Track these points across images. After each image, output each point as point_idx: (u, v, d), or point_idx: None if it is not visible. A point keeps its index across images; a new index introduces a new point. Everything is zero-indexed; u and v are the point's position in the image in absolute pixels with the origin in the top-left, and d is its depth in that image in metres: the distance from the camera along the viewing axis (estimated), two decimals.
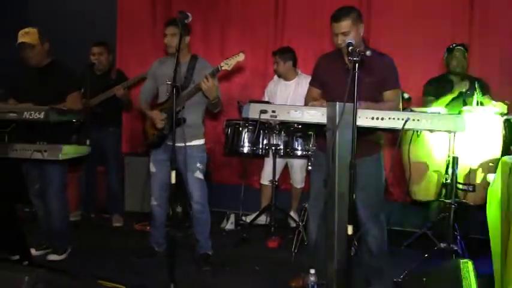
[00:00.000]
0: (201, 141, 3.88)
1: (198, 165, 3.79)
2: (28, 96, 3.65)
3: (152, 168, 3.93)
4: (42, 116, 3.18)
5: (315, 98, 3.28)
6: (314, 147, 3.80)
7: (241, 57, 3.60)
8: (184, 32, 3.69)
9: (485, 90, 4.32)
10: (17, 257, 3.47)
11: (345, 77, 2.95)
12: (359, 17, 3.01)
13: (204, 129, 3.97)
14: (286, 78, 4.95)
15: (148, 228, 4.64)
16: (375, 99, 3.01)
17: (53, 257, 3.93)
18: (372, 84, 3.00)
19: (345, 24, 2.94)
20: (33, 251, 3.83)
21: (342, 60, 3.13)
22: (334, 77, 3.14)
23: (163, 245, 4.06)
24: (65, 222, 4.01)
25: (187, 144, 3.70)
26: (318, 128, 2.76)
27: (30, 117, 3.20)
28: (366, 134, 2.76)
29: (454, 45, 4.39)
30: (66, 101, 3.72)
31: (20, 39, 3.69)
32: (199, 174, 3.80)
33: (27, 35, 3.70)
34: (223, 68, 3.59)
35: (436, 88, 4.40)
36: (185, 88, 3.70)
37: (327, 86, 3.23)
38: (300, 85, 4.81)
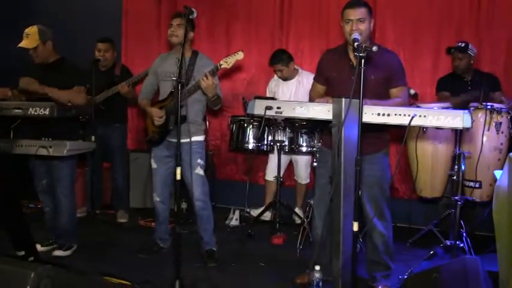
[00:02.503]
0: (201, 138, 3.87)
1: (199, 161, 3.79)
2: (36, 95, 3.65)
3: (153, 165, 3.93)
4: (47, 112, 3.19)
5: (320, 94, 3.27)
6: (319, 144, 3.79)
7: (240, 56, 3.60)
8: (189, 27, 3.70)
9: (495, 86, 4.32)
10: (22, 253, 3.48)
11: (349, 73, 2.96)
12: (371, 11, 3.01)
13: (205, 126, 3.97)
14: (289, 78, 4.91)
15: (153, 224, 4.65)
16: (380, 96, 3.00)
17: (58, 253, 3.94)
18: (377, 80, 2.99)
19: (361, 11, 2.94)
20: (38, 247, 3.84)
21: (346, 56, 3.12)
22: (338, 72, 3.12)
23: (168, 241, 4.07)
24: (72, 219, 4.02)
25: (187, 140, 3.70)
26: (323, 124, 2.74)
27: (35, 113, 3.21)
28: (372, 131, 2.75)
29: (449, 48, 4.41)
30: (69, 91, 3.69)
31: (20, 44, 3.69)
32: (200, 171, 3.79)
33: (27, 38, 3.69)
34: (222, 66, 3.59)
35: (450, 83, 4.43)
36: (186, 85, 3.69)
37: (331, 81, 3.21)
38: (301, 83, 4.79)
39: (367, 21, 2.95)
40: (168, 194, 3.96)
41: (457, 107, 3.94)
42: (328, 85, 3.25)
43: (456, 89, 4.32)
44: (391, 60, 3.09)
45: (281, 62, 4.78)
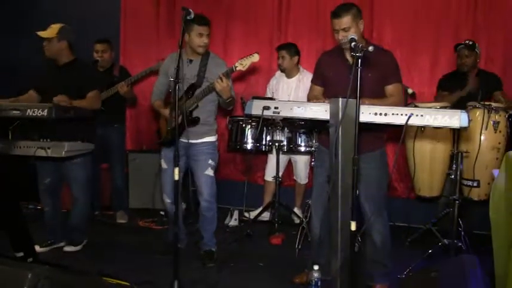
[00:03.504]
0: (213, 138, 3.86)
1: (210, 162, 3.79)
2: (50, 94, 3.71)
3: (163, 165, 3.90)
4: (45, 113, 3.19)
5: (318, 97, 3.28)
6: (317, 143, 3.80)
7: (256, 58, 3.58)
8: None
9: (497, 85, 4.33)
10: (21, 254, 3.48)
11: (346, 73, 2.97)
12: (359, 13, 3.05)
13: (217, 126, 3.95)
14: (289, 75, 4.93)
15: (152, 225, 4.67)
16: (377, 94, 3.04)
17: (69, 248, 4.02)
18: (373, 79, 3.01)
19: (345, 20, 2.99)
20: (37, 248, 3.84)
21: (343, 57, 3.16)
22: (335, 73, 3.16)
23: (185, 241, 4.06)
24: (84, 216, 4.11)
25: (199, 141, 3.75)
26: (320, 124, 2.75)
27: (34, 114, 3.21)
28: (369, 129, 2.75)
29: (457, 44, 4.42)
30: (85, 100, 3.77)
31: (39, 32, 3.82)
32: (210, 172, 3.79)
33: (48, 30, 3.84)
34: (237, 69, 3.56)
35: (449, 83, 4.44)
36: (198, 86, 3.68)
37: (328, 82, 3.25)
38: (302, 82, 4.81)
39: (354, 26, 3.01)
40: (178, 194, 3.95)
41: (454, 105, 3.96)
42: (325, 86, 3.29)
43: (457, 87, 4.32)
44: (387, 58, 3.14)
45: (287, 49, 4.85)
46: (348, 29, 2.99)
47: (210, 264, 3.76)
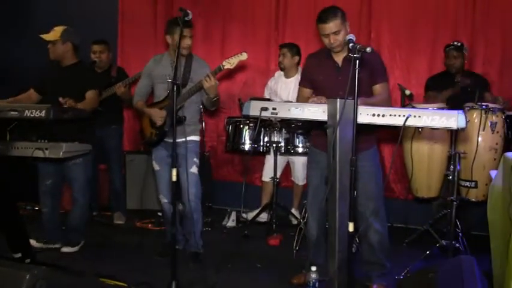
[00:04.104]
0: (198, 138, 3.92)
1: (195, 159, 3.83)
2: (50, 94, 3.73)
3: (156, 166, 3.92)
4: (43, 114, 3.19)
5: (307, 100, 3.29)
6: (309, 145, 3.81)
7: (244, 57, 3.62)
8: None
9: (485, 86, 4.35)
10: (19, 255, 3.48)
11: (335, 75, 3.05)
12: (344, 16, 3.06)
13: (201, 127, 3.98)
14: (288, 74, 4.94)
15: (150, 226, 4.66)
16: (367, 94, 3.05)
17: (66, 249, 4.00)
18: (363, 79, 3.00)
19: (335, 24, 3.00)
20: (34, 243, 3.84)
21: (330, 58, 3.18)
22: (325, 75, 3.17)
23: (182, 242, 4.02)
24: (84, 217, 4.09)
25: (187, 139, 3.73)
26: (314, 125, 2.76)
27: (31, 115, 3.20)
28: (364, 129, 2.76)
29: (446, 45, 4.44)
30: (85, 102, 3.78)
31: (42, 34, 3.84)
32: (195, 169, 3.82)
33: (51, 32, 3.85)
34: (225, 67, 3.61)
35: (437, 84, 4.46)
36: (184, 86, 3.73)
37: (318, 84, 3.25)
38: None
39: (343, 28, 3.03)
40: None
41: (450, 104, 3.98)
42: (315, 89, 3.29)
43: (445, 87, 4.33)
44: (373, 58, 3.12)
45: (289, 47, 4.89)
46: (338, 32, 3.00)
47: (194, 266, 3.73)
